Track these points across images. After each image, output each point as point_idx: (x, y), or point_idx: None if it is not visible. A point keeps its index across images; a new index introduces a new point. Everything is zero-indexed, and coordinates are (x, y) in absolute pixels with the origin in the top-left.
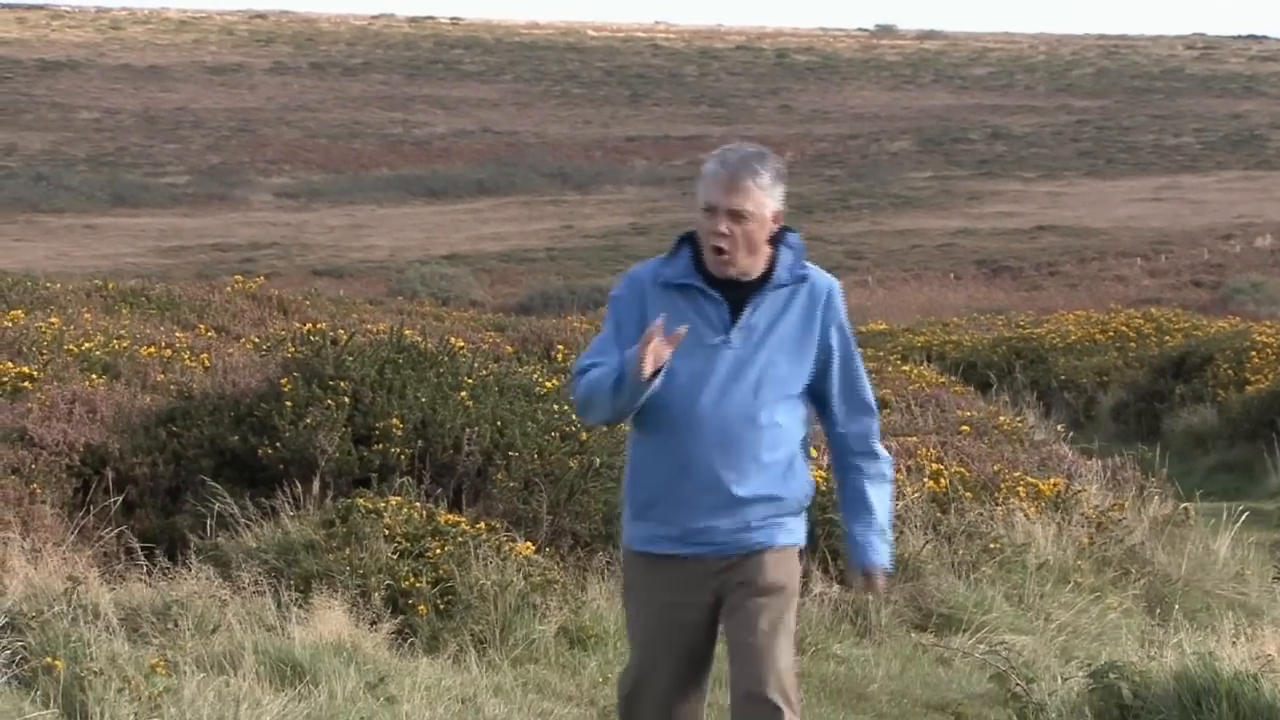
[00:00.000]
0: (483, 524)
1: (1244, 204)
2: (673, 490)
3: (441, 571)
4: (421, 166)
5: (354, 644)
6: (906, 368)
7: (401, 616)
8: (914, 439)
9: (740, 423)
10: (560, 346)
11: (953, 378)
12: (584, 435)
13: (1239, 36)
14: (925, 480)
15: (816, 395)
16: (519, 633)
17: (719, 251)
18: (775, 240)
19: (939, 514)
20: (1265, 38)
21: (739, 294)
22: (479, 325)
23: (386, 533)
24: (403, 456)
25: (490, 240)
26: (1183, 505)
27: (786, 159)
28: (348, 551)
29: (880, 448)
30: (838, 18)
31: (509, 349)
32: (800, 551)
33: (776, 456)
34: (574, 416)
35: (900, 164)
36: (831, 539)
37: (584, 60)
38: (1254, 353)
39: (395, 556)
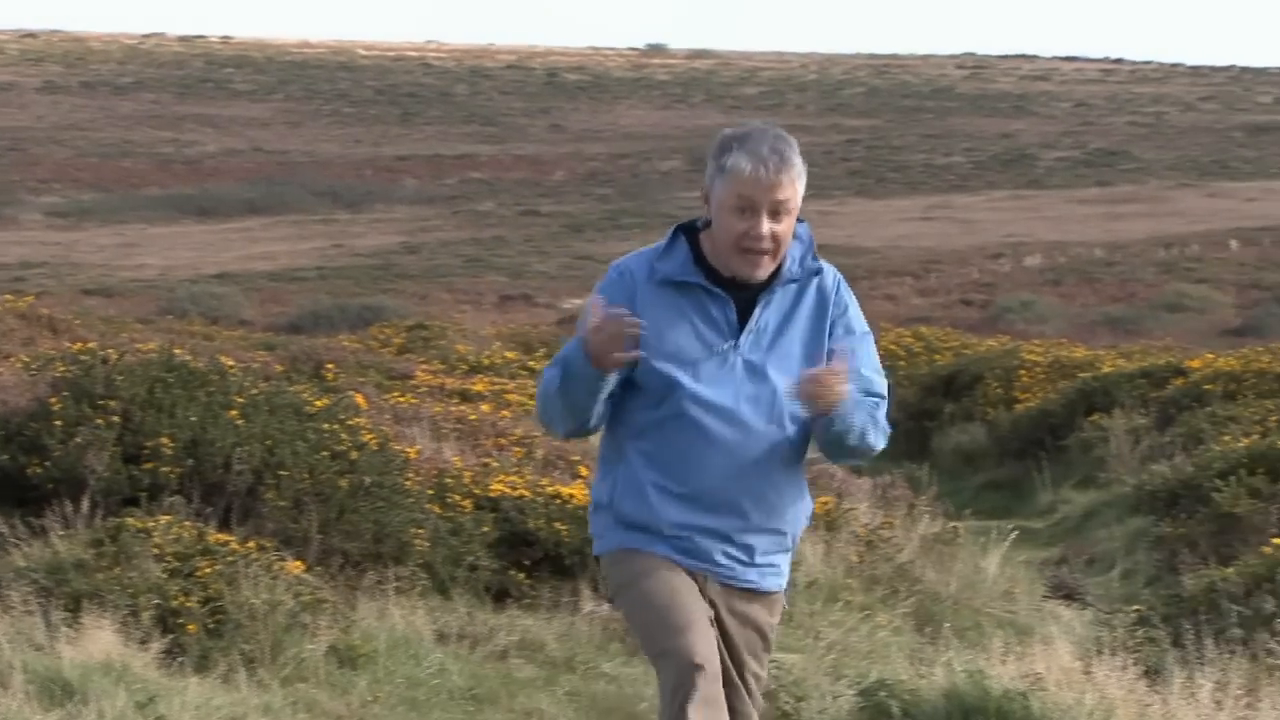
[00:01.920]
0: (253, 543)
1: (1013, 223)
2: (679, 511)
3: (211, 590)
4: (192, 185)
5: (124, 663)
6: None
7: (171, 636)
8: None
9: (755, 438)
10: (330, 365)
11: None
12: (354, 455)
13: (1009, 56)
14: None
15: None
16: (289, 652)
17: (755, 255)
18: None
19: None
20: (1035, 57)
21: (745, 292)
22: (249, 344)
23: (156, 552)
24: (173, 475)
25: (261, 259)
26: (952, 524)
27: (556, 178)
28: (117, 570)
29: (884, 419)
30: (608, 37)
31: (279, 368)
32: (783, 596)
33: (793, 478)
34: (345, 436)
35: (671, 183)
36: None
37: (355, 79)
38: (1023, 371)
39: (165, 575)
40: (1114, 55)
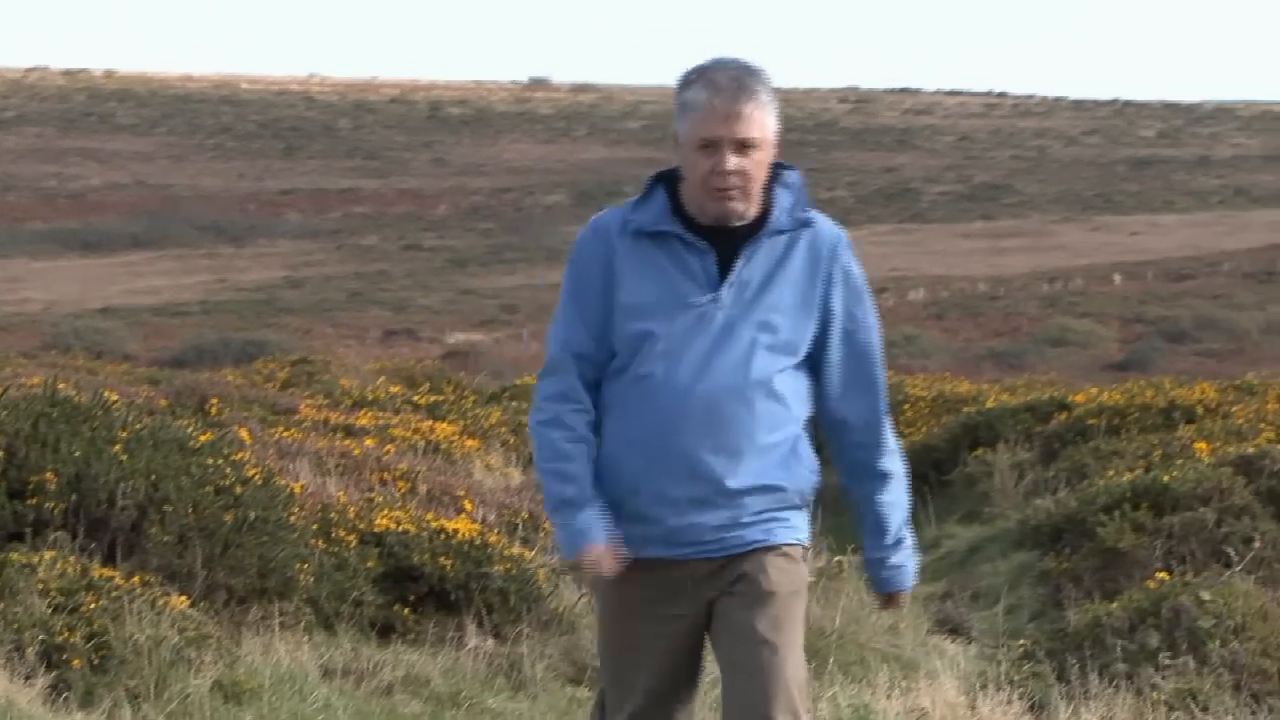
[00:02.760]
0: (137, 578)
1: (897, 257)
2: (652, 481)
3: (96, 626)
4: (76, 219)
5: (8, 699)
6: None
7: (56, 671)
8: None
9: (732, 398)
10: (214, 400)
11: None
12: (239, 490)
13: (892, 90)
14: None
15: (811, 368)
16: (174, 687)
17: (724, 193)
18: (769, 178)
19: None
20: (918, 91)
21: (728, 242)
22: (133, 379)
23: (41, 587)
24: (57, 511)
25: (145, 293)
26: (837, 558)
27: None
28: (1, 606)
29: (889, 436)
30: (491, 70)
31: (163, 403)
32: (805, 550)
33: (776, 438)
34: (229, 471)
35: (555, 217)
36: (486, 592)
37: (238, 113)
38: (907, 405)
39: (50, 611)
40: (997, 89)
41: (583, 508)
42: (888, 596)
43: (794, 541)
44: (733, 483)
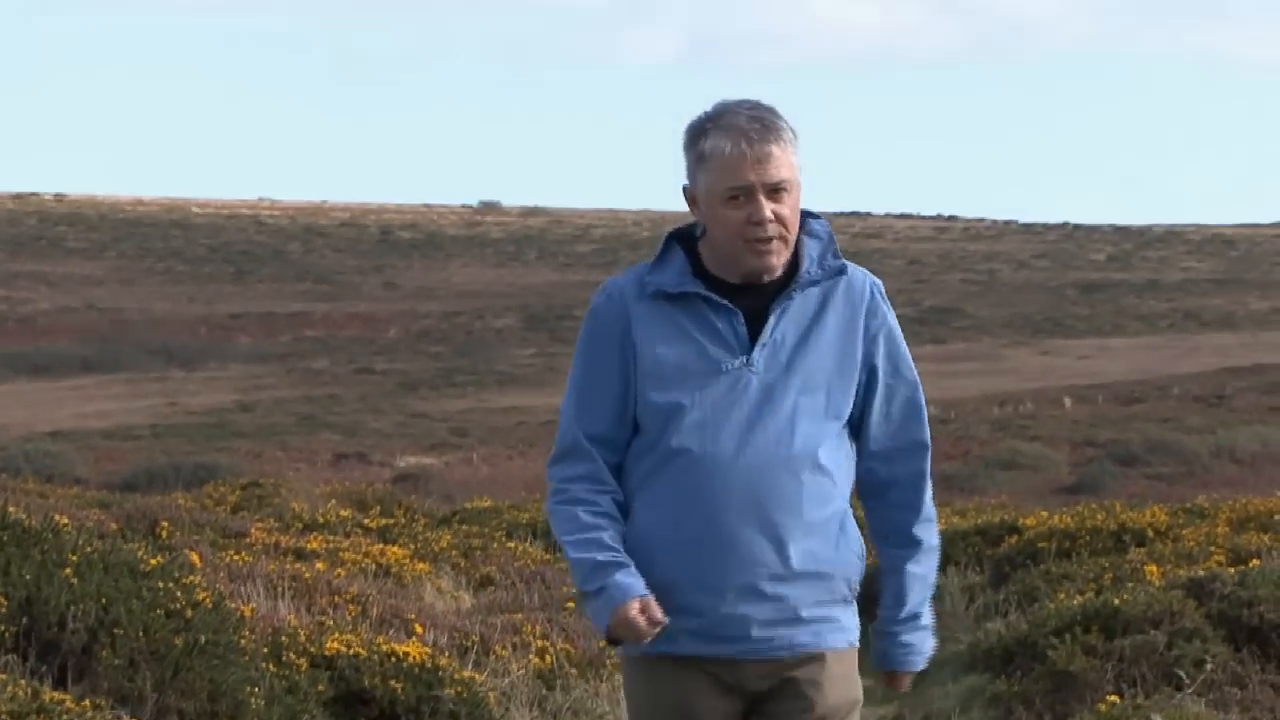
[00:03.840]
0: (88, 702)
1: None
2: (692, 567)
3: None
4: (25, 343)
5: None
6: (511, 544)
7: None
8: (519, 616)
9: (777, 470)
10: (164, 524)
11: (559, 554)
12: (189, 613)
13: (842, 213)
14: (531, 657)
15: (853, 430)
16: None
17: (764, 244)
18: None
19: (545, 690)
20: (868, 214)
21: (757, 301)
22: (83, 502)
23: None
24: (7, 634)
25: (95, 417)
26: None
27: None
28: None
29: (930, 502)
30: (441, 193)
31: (114, 526)
32: (856, 651)
33: (824, 514)
34: (180, 595)
35: (505, 340)
36: (437, 715)
37: (188, 237)
38: (859, 530)
39: None
40: (947, 213)
41: (613, 570)
42: (891, 675)
43: (846, 646)
44: (781, 566)
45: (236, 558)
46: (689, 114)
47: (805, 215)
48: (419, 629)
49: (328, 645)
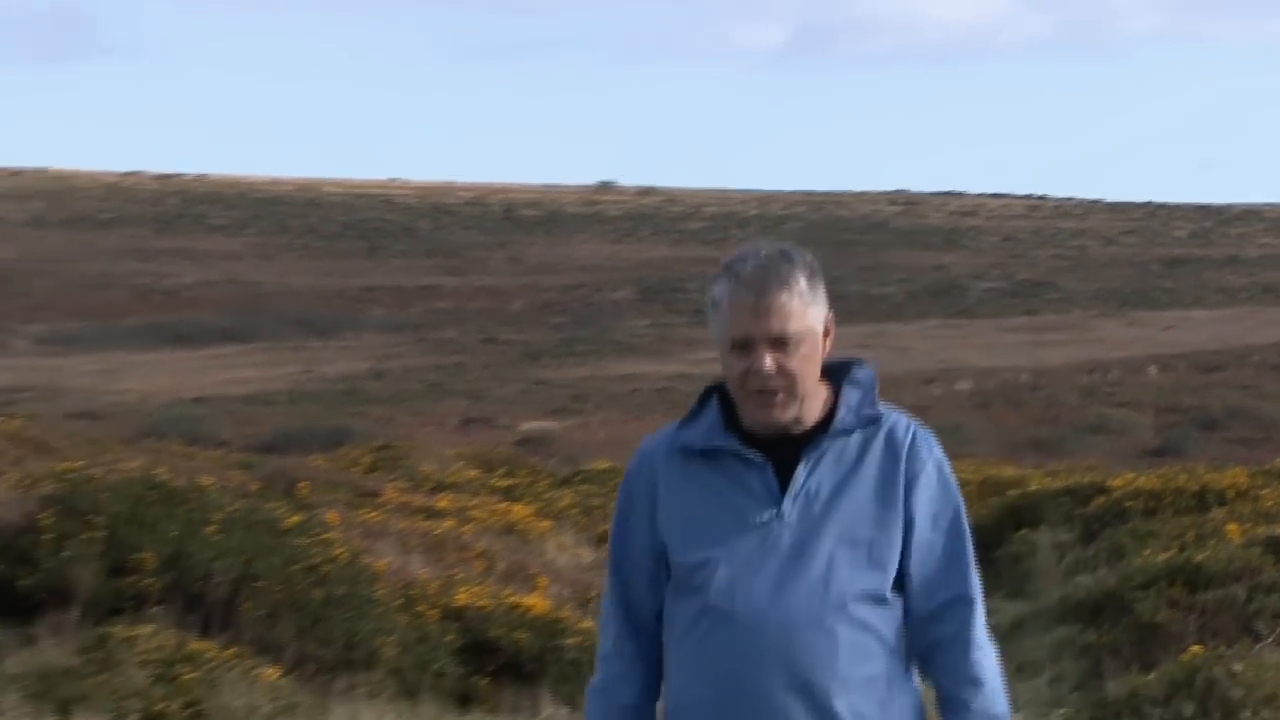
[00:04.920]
0: (231, 650)
1: (945, 350)
2: None
3: (193, 696)
4: (170, 315)
5: None
6: None
7: None
8: None
9: (810, 628)
10: (303, 484)
11: None
12: (326, 568)
13: (939, 193)
14: None
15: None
16: None
17: (765, 397)
18: (835, 375)
19: None
20: (963, 194)
21: (788, 452)
22: (226, 464)
23: (141, 659)
24: (155, 587)
25: (236, 384)
26: None
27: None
28: (104, 677)
29: (980, 664)
30: (562, 174)
31: (255, 486)
32: None
33: (866, 672)
34: (317, 551)
35: (621, 312)
36: (559, 664)
37: (323, 214)
38: None
39: (149, 681)
40: (1038, 192)
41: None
42: None
43: None
44: None
45: (370, 516)
46: (793, 100)
47: (850, 364)
48: (542, 583)
49: (456, 598)
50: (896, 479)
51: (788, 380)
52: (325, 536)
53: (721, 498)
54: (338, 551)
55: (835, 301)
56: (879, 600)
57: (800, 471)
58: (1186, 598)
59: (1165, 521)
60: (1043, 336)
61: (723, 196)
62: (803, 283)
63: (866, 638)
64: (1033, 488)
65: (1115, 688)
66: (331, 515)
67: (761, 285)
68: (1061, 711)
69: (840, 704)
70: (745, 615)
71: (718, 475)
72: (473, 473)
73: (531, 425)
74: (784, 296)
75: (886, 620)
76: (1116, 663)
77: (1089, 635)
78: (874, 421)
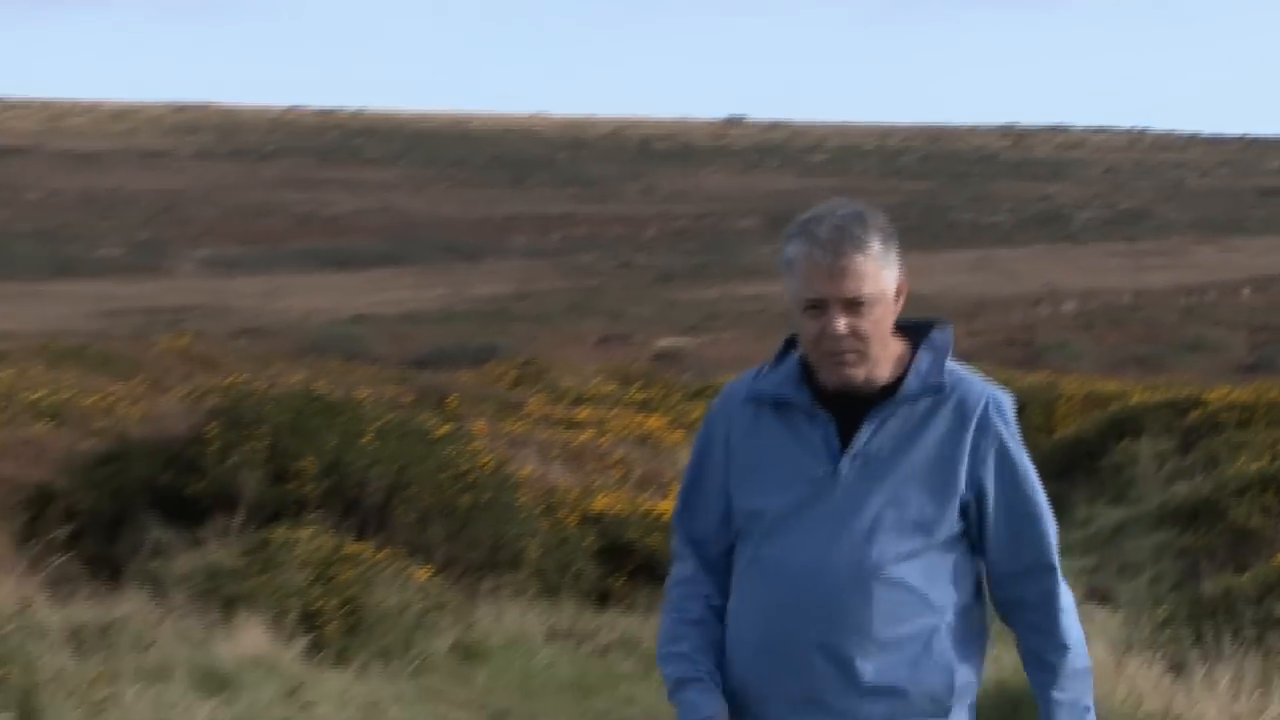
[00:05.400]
0: (385, 552)
1: (1051, 274)
2: (762, 674)
3: (349, 594)
4: (329, 241)
5: (272, 657)
6: None
7: (314, 633)
8: None
9: (849, 585)
10: (452, 397)
11: None
12: (473, 475)
13: (1045, 127)
14: None
15: (972, 546)
16: (417, 647)
17: (837, 357)
18: (914, 335)
19: None
20: (1068, 128)
21: (854, 410)
22: (381, 378)
23: (300, 560)
24: (315, 493)
25: (391, 304)
26: None
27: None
28: (266, 576)
29: (1067, 628)
30: (694, 109)
31: (408, 399)
32: None
33: (902, 632)
34: (465, 459)
35: (748, 239)
36: None
37: (471, 147)
38: (1061, 402)
39: (308, 581)
40: (1139, 126)
41: (689, 686)
42: None
43: None
44: (848, 681)
45: (515, 427)
46: (910, 38)
47: (930, 324)
48: (674, 489)
49: (595, 504)
50: (961, 448)
51: (860, 341)
52: (473, 446)
53: (784, 449)
54: (484, 460)
55: (948, 229)
56: (930, 563)
57: (863, 432)
58: (1278, 504)
59: (1258, 432)
60: (1142, 261)
61: (844, 130)
62: (877, 245)
63: (907, 598)
64: (1134, 401)
65: (1210, 587)
66: (479, 426)
67: (836, 247)
68: (1160, 610)
69: (867, 666)
70: (789, 567)
71: (783, 427)
72: (610, 387)
73: (665, 342)
74: (859, 259)
75: (932, 581)
76: (1212, 564)
77: (1186, 538)
78: (939, 390)
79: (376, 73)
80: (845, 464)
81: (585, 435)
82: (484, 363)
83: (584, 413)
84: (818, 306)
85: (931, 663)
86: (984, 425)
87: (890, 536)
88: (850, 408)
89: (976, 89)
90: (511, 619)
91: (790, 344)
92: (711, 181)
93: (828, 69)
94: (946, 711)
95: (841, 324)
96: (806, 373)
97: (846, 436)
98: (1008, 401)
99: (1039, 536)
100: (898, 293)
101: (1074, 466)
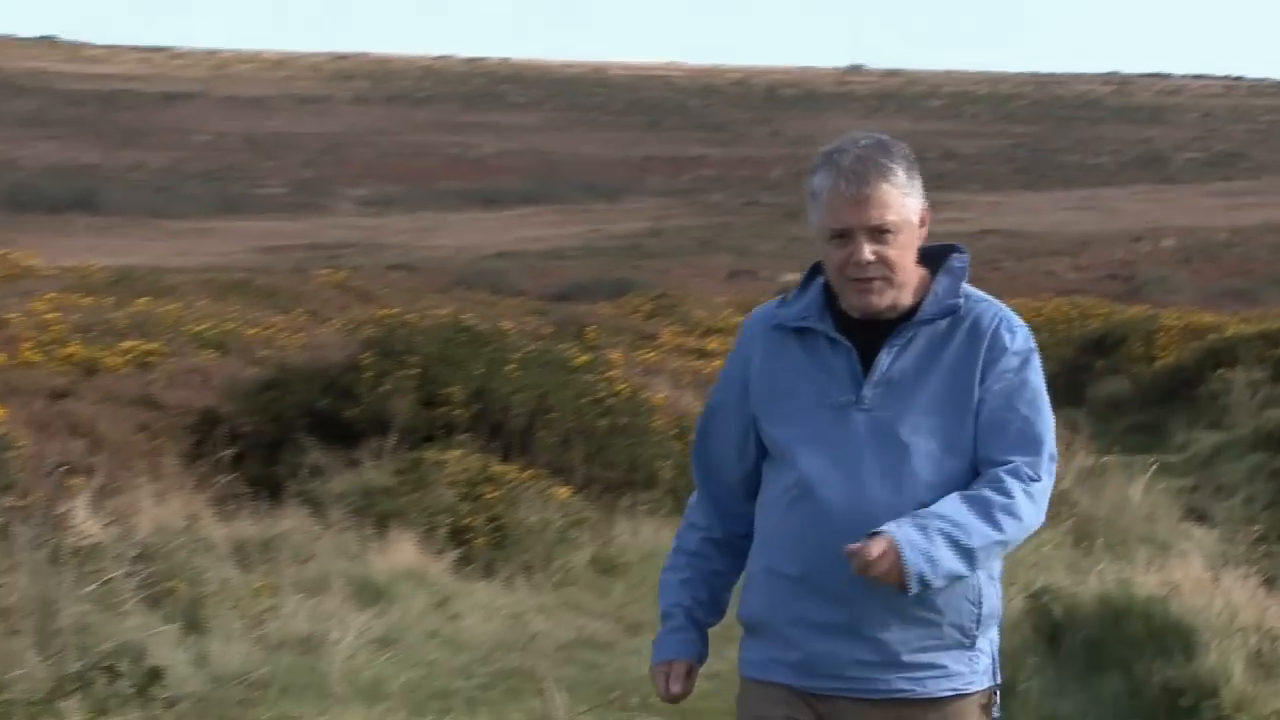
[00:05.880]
0: (529, 472)
1: (1151, 213)
2: (789, 601)
3: (495, 511)
4: (477, 181)
5: (423, 570)
6: None
7: (462, 548)
8: None
9: (881, 513)
10: (591, 328)
11: None
12: (611, 401)
13: (1146, 75)
14: None
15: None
16: (558, 561)
17: (864, 284)
18: (935, 260)
19: None
20: (1168, 75)
21: (875, 336)
22: (524, 310)
23: (449, 480)
24: (462, 417)
25: (533, 241)
26: (1103, 458)
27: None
28: (417, 495)
29: (1017, 485)
30: (817, 58)
31: (549, 329)
32: (989, 697)
33: None
34: (603, 386)
35: None
36: None
37: (609, 93)
38: (1160, 333)
39: (457, 499)
40: (1235, 74)
41: (664, 622)
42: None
43: (950, 693)
44: (878, 609)
45: (649, 356)
46: None
47: (948, 249)
48: None
49: None
50: (974, 366)
51: (886, 269)
52: (610, 374)
53: (806, 377)
54: (620, 387)
55: (1055, 170)
56: (955, 488)
57: (883, 358)
58: None
59: None
60: (1238, 200)
61: (957, 77)
62: (900, 174)
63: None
64: (1229, 333)
65: None
66: (615, 355)
67: (861, 176)
68: (1255, 528)
69: (905, 597)
70: (819, 496)
71: (806, 354)
72: (738, 318)
73: (791, 276)
74: (883, 187)
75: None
76: None
77: (1278, 461)
78: (954, 311)
79: (521, 23)
80: (868, 390)
81: (715, 364)
82: (620, 296)
83: (714, 343)
84: (844, 235)
85: (958, 591)
86: (995, 342)
87: (923, 464)
88: (873, 336)
89: (1081, 39)
90: (646, 535)
91: (815, 271)
92: (833, 125)
93: (942, 20)
94: (973, 642)
95: (867, 251)
96: (830, 300)
97: (869, 364)
98: (1021, 324)
99: (1036, 452)
100: (921, 221)
101: (1173, 394)
